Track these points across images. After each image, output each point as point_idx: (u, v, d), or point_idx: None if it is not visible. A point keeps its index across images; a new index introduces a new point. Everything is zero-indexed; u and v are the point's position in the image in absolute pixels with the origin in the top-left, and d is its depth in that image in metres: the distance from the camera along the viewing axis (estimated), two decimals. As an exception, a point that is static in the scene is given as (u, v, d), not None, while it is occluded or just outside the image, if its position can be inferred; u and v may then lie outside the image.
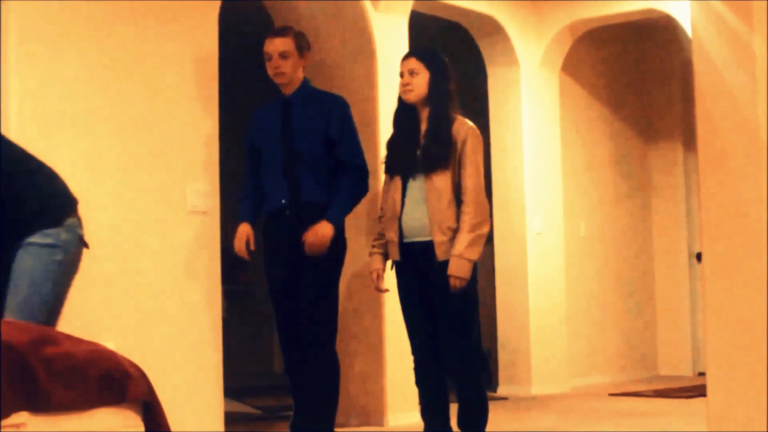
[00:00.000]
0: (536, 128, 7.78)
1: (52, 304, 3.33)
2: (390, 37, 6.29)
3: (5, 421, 2.32)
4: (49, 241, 3.35)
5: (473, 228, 4.23)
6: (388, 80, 6.19)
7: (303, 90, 4.77)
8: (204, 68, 5.11)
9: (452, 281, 4.20)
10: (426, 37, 7.09)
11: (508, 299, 7.72)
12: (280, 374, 8.81)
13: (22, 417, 2.42)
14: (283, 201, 4.66)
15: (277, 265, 4.70)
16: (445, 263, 4.22)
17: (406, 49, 6.35)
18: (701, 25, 4.56)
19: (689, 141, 8.96)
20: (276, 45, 4.69)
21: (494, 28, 7.57)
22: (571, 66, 8.32)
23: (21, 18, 4.44)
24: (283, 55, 4.68)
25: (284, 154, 4.66)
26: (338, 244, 4.71)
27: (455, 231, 4.24)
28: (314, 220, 4.60)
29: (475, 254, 4.23)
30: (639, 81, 9.31)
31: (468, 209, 4.24)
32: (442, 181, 4.27)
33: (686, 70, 8.80)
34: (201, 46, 5.10)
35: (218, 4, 5.23)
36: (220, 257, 5.11)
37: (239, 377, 7.71)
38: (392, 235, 4.39)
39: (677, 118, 9.20)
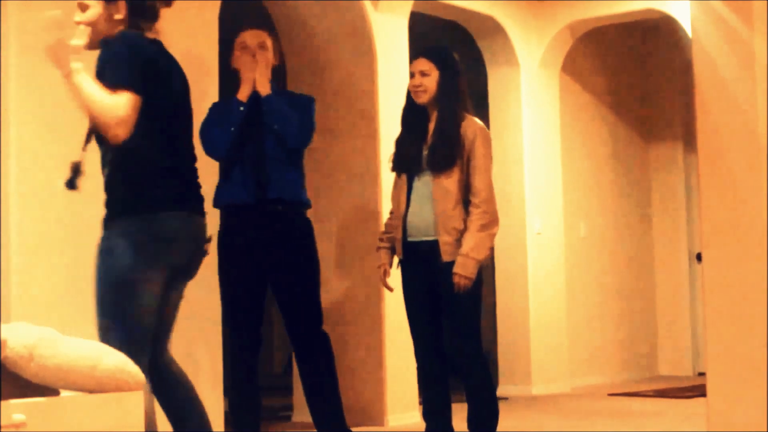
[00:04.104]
0: (536, 128, 7.78)
1: None
2: (390, 37, 6.28)
3: (5, 421, 2.32)
4: None
5: (482, 228, 4.22)
6: (388, 80, 6.19)
7: None
8: (204, 68, 5.10)
9: (457, 279, 4.18)
10: (426, 37, 7.08)
11: (508, 299, 7.72)
12: (280, 374, 8.82)
13: (22, 417, 2.43)
14: (254, 197, 4.61)
15: (250, 265, 4.63)
16: (451, 264, 4.20)
17: (406, 49, 6.36)
18: (701, 25, 4.56)
19: (689, 141, 8.95)
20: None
21: (494, 28, 7.57)
22: (571, 66, 8.32)
23: (21, 18, 4.44)
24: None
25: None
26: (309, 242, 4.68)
27: (461, 232, 4.23)
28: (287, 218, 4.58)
29: (481, 254, 4.21)
30: (639, 81, 9.30)
31: (477, 210, 4.23)
32: (450, 181, 4.25)
33: (686, 70, 8.79)
34: (201, 46, 5.10)
35: (218, 4, 5.23)
36: (220, 257, 5.10)
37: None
38: (398, 234, 4.38)
39: (677, 118, 9.20)
